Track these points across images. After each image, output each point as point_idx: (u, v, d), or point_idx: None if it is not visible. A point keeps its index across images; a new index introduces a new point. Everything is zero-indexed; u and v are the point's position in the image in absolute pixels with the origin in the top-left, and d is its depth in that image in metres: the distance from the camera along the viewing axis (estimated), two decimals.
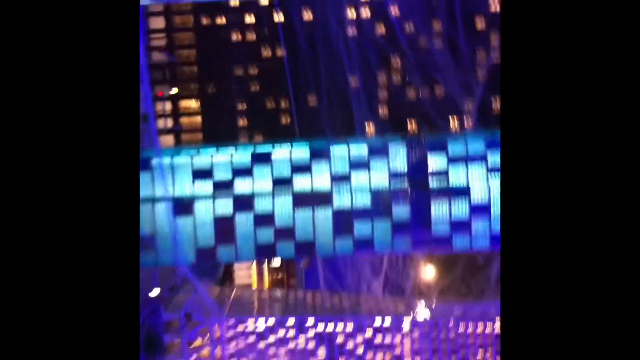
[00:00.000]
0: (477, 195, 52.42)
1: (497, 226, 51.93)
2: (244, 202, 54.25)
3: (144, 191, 53.62)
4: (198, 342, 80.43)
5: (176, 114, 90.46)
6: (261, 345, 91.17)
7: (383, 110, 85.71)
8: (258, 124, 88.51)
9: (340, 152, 55.04)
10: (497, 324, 56.67)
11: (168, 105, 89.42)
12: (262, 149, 58.66)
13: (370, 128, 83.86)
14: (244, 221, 54.39)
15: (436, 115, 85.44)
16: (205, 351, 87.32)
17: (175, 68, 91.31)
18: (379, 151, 54.61)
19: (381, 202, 54.18)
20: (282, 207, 54.37)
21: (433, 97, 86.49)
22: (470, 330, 58.44)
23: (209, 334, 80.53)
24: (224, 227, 54.30)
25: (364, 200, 54.48)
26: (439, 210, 53.77)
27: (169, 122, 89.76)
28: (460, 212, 52.85)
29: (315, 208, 54.47)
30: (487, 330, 55.74)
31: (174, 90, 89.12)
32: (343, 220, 54.36)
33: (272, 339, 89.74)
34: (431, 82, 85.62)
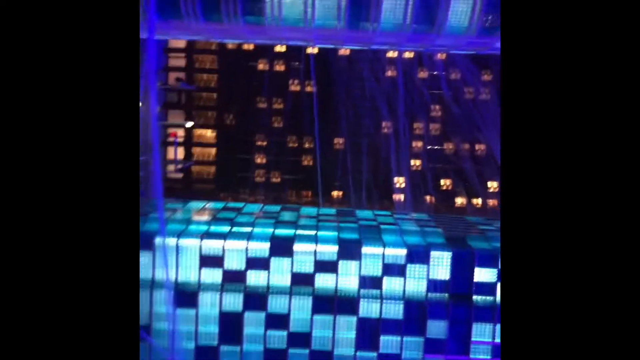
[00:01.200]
0: None
1: None
2: (256, 298, 46.67)
3: (142, 273, 46.20)
4: None
5: (189, 142, 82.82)
6: None
7: (415, 164, 78.06)
8: (278, 163, 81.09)
9: (372, 251, 47.21)
10: None
11: (180, 132, 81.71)
12: (284, 221, 51.00)
13: (399, 183, 76.11)
14: (254, 320, 46.85)
15: (474, 176, 77.58)
16: None
17: (193, 94, 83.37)
18: (418, 254, 46.72)
19: (415, 314, 46.48)
20: (300, 308, 46.79)
21: (473, 154, 78.70)
22: None
23: None
24: (230, 324, 46.80)
25: (394, 310, 46.79)
26: (482, 331, 46.10)
27: (180, 153, 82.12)
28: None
29: (337, 313, 46.83)
30: None
31: (189, 124, 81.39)
32: (368, 331, 46.74)
33: None
34: (473, 138, 77.76)
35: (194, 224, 50.19)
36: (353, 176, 75.90)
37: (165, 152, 78.33)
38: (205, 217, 52.26)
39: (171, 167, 78.55)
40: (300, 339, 46.88)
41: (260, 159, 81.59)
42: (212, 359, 47.29)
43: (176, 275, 46.98)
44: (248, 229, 49.30)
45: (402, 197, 76.98)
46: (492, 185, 77.43)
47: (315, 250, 46.98)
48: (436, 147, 78.07)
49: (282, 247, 47.02)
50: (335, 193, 77.96)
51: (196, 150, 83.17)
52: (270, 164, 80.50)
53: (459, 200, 78.16)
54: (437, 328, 46.46)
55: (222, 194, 77.51)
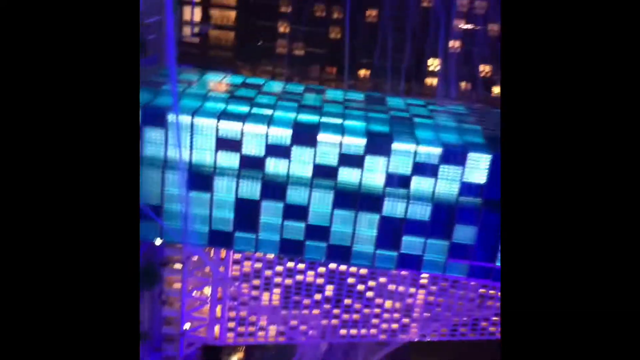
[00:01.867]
0: None
1: None
2: (274, 187, 43.63)
3: (153, 150, 42.97)
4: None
5: (207, 3, 75.09)
6: (267, 272, 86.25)
7: (454, 45, 70.94)
8: (302, 34, 73.97)
9: (403, 147, 43.06)
10: None
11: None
12: (308, 105, 46.45)
13: (434, 65, 69.72)
14: (271, 210, 44.24)
15: None
16: (207, 269, 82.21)
17: None
18: (454, 155, 42.61)
19: (443, 217, 43.56)
20: (321, 201, 43.88)
21: None
22: None
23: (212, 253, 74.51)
24: (246, 211, 44.33)
25: (421, 211, 43.80)
26: None
27: (197, 14, 74.75)
28: None
29: (360, 210, 43.99)
30: None
31: None
32: (391, 230, 44.20)
33: (279, 268, 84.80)
34: None
35: (211, 100, 45.71)
36: (384, 54, 69.42)
37: (180, 12, 71.15)
38: (223, 94, 47.58)
39: (187, 30, 71.97)
40: (319, 232, 44.57)
41: (283, 28, 74.52)
42: (226, 244, 45.49)
43: (190, 156, 43.56)
44: (269, 112, 44.90)
45: (434, 81, 71.03)
46: None
47: (341, 142, 42.90)
48: (479, 28, 70.46)
49: (305, 136, 42.93)
50: (362, 72, 71.90)
51: (215, 12, 75.59)
52: (294, 34, 73.63)
53: (496, 90, 72.24)
54: (465, 233, 43.76)
55: (240, 64, 71.93)
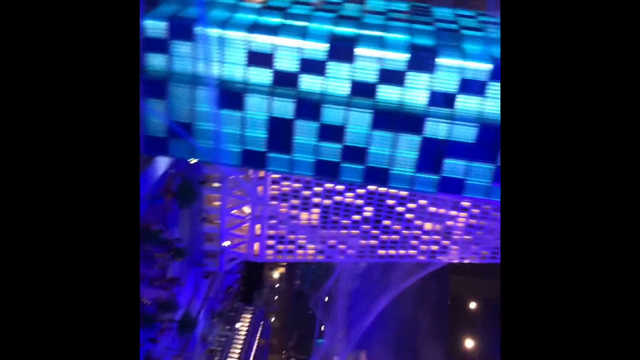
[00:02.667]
0: None
1: None
2: (309, 105, 41.24)
3: (182, 65, 40.93)
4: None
5: None
6: (305, 192, 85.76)
7: None
8: None
9: (449, 62, 39.44)
10: None
11: None
12: (346, 16, 42.86)
13: None
14: (305, 130, 42.11)
15: None
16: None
17: None
18: None
19: (490, 139, 40.53)
20: (358, 121, 41.33)
21: None
22: None
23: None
24: (279, 130, 42.38)
25: (466, 133, 40.82)
26: None
27: None
28: None
29: (400, 131, 41.33)
30: None
31: None
32: (433, 152, 41.57)
33: (317, 189, 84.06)
34: None
35: (241, 11, 42.63)
36: None
37: None
38: (254, 4, 44.28)
39: None
40: (356, 153, 42.39)
41: None
42: (259, 164, 44.03)
43: (220, 71, 41.28)
44: (303, 24, 41.61)
45: None
46: None
47: (380, 57, 39.58)
48: None
49: (342, 50, 39.74)
50: None
51: None
52: None
53: None
54: None
55: None
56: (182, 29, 40.06)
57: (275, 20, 41.64)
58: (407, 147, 41.51)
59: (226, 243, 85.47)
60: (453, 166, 41.77)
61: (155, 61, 40.88)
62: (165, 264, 68.45)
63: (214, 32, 40.03)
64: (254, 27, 40.42)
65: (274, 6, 43.71)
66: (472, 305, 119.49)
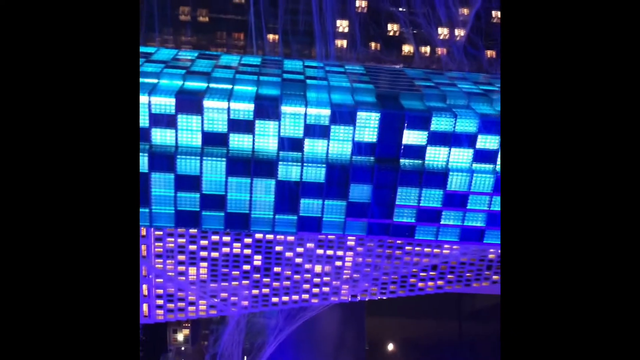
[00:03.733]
0: (455, 182, 42.39)
1: (471, 221, 42.96)
2: (163, 158, 42.36)
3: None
4: None
5: None
6: (192, 247, 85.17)
7: (361, 5, 69.94)
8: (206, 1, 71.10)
9: (293, 110, 42.42)
10: None
11: None
12: (196, 72, 44.94)
13: (342, 27, 68.82)
14: (162, 182, 43.06)
15: (427, 23, 70.67)
16: None
17: None
18: (343, 115, 42.27)
19: (338, 178, 43.45)
20: (213, 170, 42.93)
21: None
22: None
23: None
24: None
25: (316, 174, 43.54)
26: (407, 195, 43.90)
27: None
28: (431, 201, 43.19)
29: (254, 176, 43.34)
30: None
31: None
32: (287, 194, 43.83)
33: (203, 242, 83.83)
34: None
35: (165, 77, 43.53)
36: (291, 18, 68.04)
37: None
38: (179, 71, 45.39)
39: None
40: (215, 200, 43.75)
41: None
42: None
43: None
44: (227, 86, 43.12)
45: (344, 43, 70.30)
46: (443, 32, 71.22)
47: (228, 108, 41.83)
48: None
49: (190, 104, 41.61)
50: (271, 36, 70.40)
51: None
52: (197, 1, 70.90)
53: (407, 49, 72.21)
54: (360, 192, 43.85)
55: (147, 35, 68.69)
56: None
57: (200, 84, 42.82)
58: (264, 191, 43.50)
59: None
60: (308, 205, 44.16)
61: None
62: None
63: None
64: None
65: (199, 71, 44.92)
66: (390, 346, 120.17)
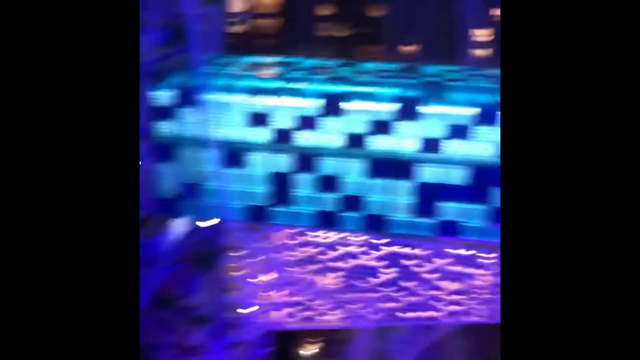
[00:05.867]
0: None
1: None
2: (305, 159, 43.87)
3: (189, 130, 44.42)
4: None
5: None
6: (322, 257, 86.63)
7: (496, 13, 68.04)
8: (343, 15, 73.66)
9: (434, 110, 41.96)
10: None
11: None
12: (339, 77, 46.29)
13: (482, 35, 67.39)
14: (304, 182, 44.51)
15: None
16: (264, 255, 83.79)
17: None
18: (487, 116, 41.03)
19: (479, 180, 42.04)
20: (353, 169, 43.62)
21: None
22: None
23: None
24: (280, 184, 44.85)
25: (457, 175, 42.50)
26: None
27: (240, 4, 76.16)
28: None
29: (394, 177, 43.31)
30: None
31: None
32: (427, 197, 43.18)
33: (334, 253, 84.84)
34: None
35: (244, 79, 46.66)
36: (428, 28, 67.86)
37: (225, 2, 73.06)
38: (256, 72, 48.38)
39: (231, 20, 73.84)
40: (354, 202, 44.33)
41: (325, 11, 74.54)
42: (263, 218, 46.24)
43: (222, 133, 44.71)
44: (299, 85, 45.19)
45: (481, 52, 68.54)
46: None
47: (370, 109, 42.49)
48: None
49: (333, 106, 42.83)
50: (406, 48, 70.66)
51: (258, 0, 76.87)
52: (335, 16, 73.48)
53: None
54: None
55: (287, 50, 72.50)
56: (189, 97, 44.00)
57: (274, 84, 45.38)
58: (402, 193, 43.28)
59: (247, 311, 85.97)
60: (447, 209, 43.15)
61: (164, 128, 44.58)
62: (186, 331, 69.24)
63: (218, 97, 43.84)
64: (253, 91, 44.14)
65: (274, 72, 47.69)
66: None
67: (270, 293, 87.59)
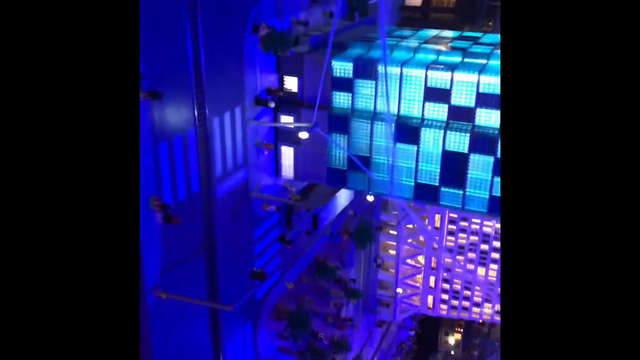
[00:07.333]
0: None
1: None
2: (484, 140, 41.25)
3: (363, 102, 44.13)
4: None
5: None
6: (483, 246, 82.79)
7: None
8: None
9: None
10: None
11: None
12: None
13: None
14: (480, 164, 42.01)
15: None
16: (421, 238, 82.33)
17: None
18: None
19: None
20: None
21: None
22: None
23: None
24: (453, 165, 42.86)
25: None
26: None
27: None
28: None
29: None
30: None
31: None
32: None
33: (496, 243, 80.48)
34: None
35: (422, 52, 45.07)
36: None
37: None
38: (435, 46, 46.48)
39: None
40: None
41: None
42: (431, 198, 44.68)
43: (398, 107, 43.69)
44: (482, 61, 42.46)
45: None
46: None
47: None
48: None
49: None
50: None
51: None
52: None
53: None
54: None
55: (462, 25, 68.83)
56: (365, 69, 43.59)
57: (455, 59, 43.16)
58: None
59: (399, 291, 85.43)
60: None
61: (341, 99, 44.80)
62: (340, 302, 70.79)
63: (395, 70, 42.82)
64: (433, 65, 42.35)
65: (454, 47, 45.40)
66: None
67: (423, 277, 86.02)
